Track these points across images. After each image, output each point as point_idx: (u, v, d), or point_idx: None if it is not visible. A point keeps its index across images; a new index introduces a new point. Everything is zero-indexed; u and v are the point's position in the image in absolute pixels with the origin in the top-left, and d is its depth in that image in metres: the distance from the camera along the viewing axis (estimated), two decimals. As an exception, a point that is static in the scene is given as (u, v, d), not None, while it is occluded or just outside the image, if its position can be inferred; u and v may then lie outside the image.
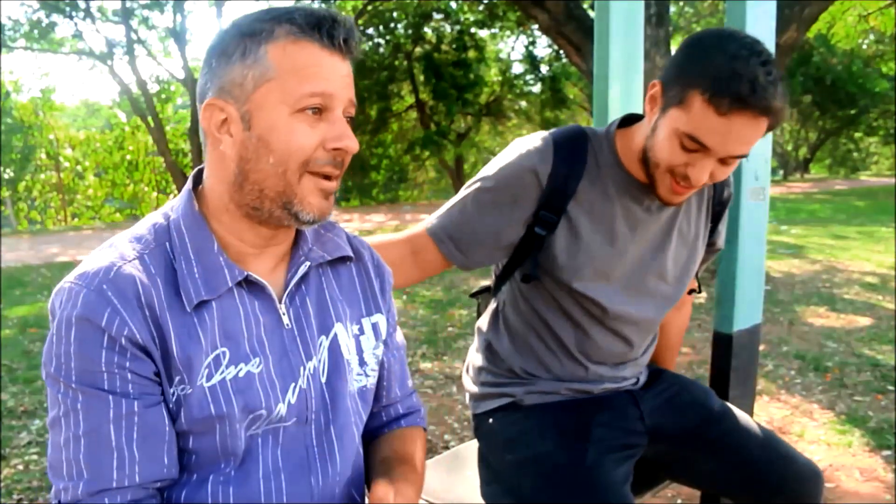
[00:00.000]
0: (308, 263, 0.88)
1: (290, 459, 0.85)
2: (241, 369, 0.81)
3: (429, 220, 1.27)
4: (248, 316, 0.83)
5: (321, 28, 0.76)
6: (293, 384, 0.85)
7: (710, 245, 1.38)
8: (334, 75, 0.77)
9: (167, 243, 0.81)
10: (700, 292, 1.52)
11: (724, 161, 1.09)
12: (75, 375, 0.75)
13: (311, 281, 0.90)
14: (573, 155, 1.20)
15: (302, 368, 0.86)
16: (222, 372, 0.80)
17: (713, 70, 1.02)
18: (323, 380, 0.88)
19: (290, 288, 0.86)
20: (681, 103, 1.06)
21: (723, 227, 1.39)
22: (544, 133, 1.24)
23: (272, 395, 0.82)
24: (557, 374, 1.31)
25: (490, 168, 1.23)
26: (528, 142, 1.22)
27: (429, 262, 1.26)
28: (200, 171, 0.86)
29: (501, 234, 1.22)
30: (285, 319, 0.86)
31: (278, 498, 0.83)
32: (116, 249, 0.80)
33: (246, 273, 0.82)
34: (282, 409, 0.83)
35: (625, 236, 1.22)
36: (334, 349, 0.89)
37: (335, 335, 0.90)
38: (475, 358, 1.41)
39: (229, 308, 0.82)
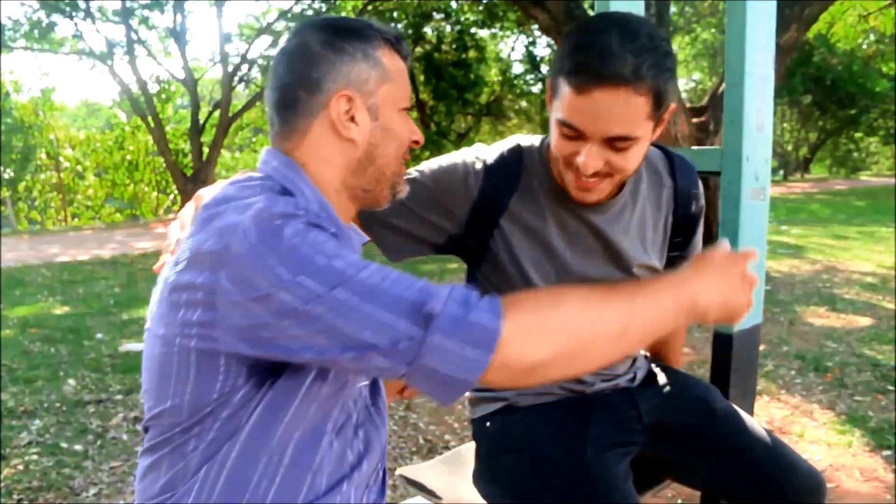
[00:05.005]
0: None
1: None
2: None
3: None
4: None
5: (402, 44, 0.94)
6: None
7: (685, 258, 1.32)
8: None
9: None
10: None
11: (612, 146, 1.01)
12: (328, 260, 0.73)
13: None
14: (505, 169, 1.18)
15: None
16: None
17: (570, 48, 0.98)
18: None
19: None
20: (554, 92, 1.03)
21: (698, 240, 1.35)
22: (482, 146, 1.23)
23: None
24: None
25: (428, 164, 1.22)
26: (465, 154, 1.22)
27: None
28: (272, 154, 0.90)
29: (411, 227, 1.20)
30: None
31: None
32: (258, 192, 0.80)
33: (366, 238, 0.97)
34: None
35: (563, 251, 1.20)
36: None
37: None
38: None
39: None
